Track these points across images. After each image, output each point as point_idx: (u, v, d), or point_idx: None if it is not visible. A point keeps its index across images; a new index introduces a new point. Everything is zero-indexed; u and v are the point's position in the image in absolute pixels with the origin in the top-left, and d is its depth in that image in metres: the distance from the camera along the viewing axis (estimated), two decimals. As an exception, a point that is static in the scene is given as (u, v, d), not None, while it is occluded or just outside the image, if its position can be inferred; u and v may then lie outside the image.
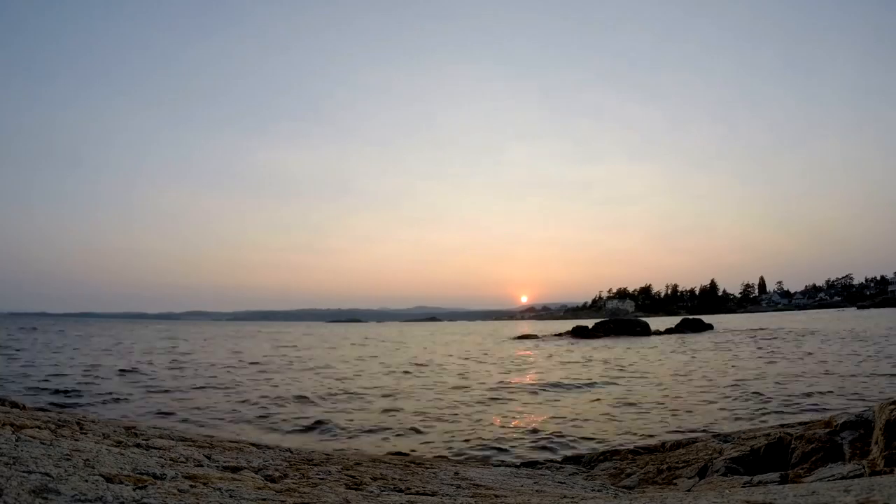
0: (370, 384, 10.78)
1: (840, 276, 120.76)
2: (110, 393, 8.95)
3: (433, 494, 2.62)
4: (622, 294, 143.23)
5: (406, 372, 13.31)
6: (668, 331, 33.09)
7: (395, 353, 20.45)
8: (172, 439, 3.26)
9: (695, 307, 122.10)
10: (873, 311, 66.57)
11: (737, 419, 6.71)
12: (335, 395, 9.31)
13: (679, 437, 5.27)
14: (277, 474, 2.62)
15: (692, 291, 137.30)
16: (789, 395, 8.16)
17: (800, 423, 4.29)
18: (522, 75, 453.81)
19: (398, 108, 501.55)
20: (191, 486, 1.92)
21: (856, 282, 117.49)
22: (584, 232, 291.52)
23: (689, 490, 3.24)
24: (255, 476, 2.47)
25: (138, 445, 2.79)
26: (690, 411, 7.36)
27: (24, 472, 1.71)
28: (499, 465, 4.52)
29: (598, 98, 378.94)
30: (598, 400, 8.61)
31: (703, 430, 5.89)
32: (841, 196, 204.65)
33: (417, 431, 6.45)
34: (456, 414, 7.57)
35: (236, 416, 7.34)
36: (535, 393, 9.63)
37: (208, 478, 2.12)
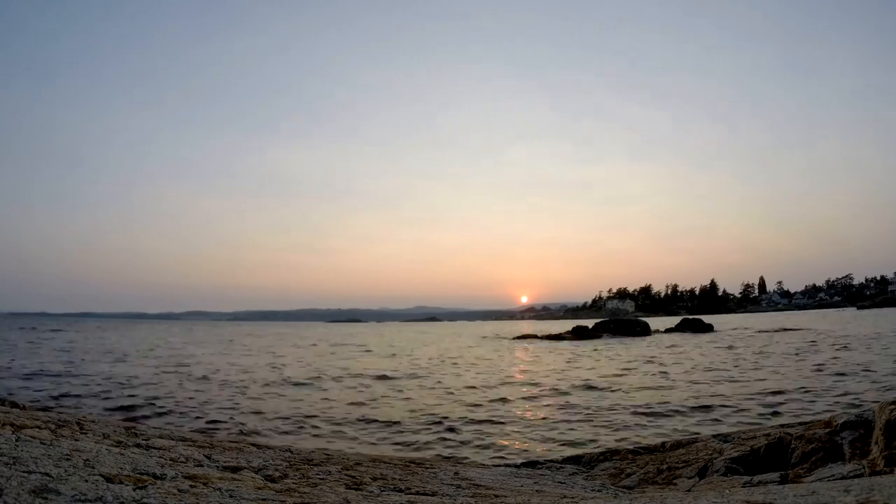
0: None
1: (840, 276, 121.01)
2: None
3: (433, 494, 2.62)
4: (622, 294, 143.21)
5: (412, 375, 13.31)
6: (668, 330, 33.13)
7: (404, 354, 20.43)
8: (172, 439, 3.26)
9: (695, 307, 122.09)
10: (873, 311, 66.61)
11: (740, 419, 6.72)
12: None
13: (679, 437, 5.27)
14: (277, 474, 2.62)
15: (692, 291, 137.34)
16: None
17: (800, 423, 4.28)
18: (522, 75, 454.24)
19: (398, 108, 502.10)
20: (191, 486, 1.92)
21: (856, 282, 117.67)
22: (584, 232, 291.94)
23: (689, 490, 3.23)
24: (255, 476, 2.46)
25: (138, 445, 2.79)
26: (691, 414, 7.36)
27: (24, 472, 1.71)
28: (499, 465, 4.52)
29: (598, 98, 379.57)
30: (597, 400, 8.62)
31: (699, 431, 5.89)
32: (841, 196, 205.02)
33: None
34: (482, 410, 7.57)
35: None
36: (535, 397, 9.63)
37: (208, 478, 2.12)
